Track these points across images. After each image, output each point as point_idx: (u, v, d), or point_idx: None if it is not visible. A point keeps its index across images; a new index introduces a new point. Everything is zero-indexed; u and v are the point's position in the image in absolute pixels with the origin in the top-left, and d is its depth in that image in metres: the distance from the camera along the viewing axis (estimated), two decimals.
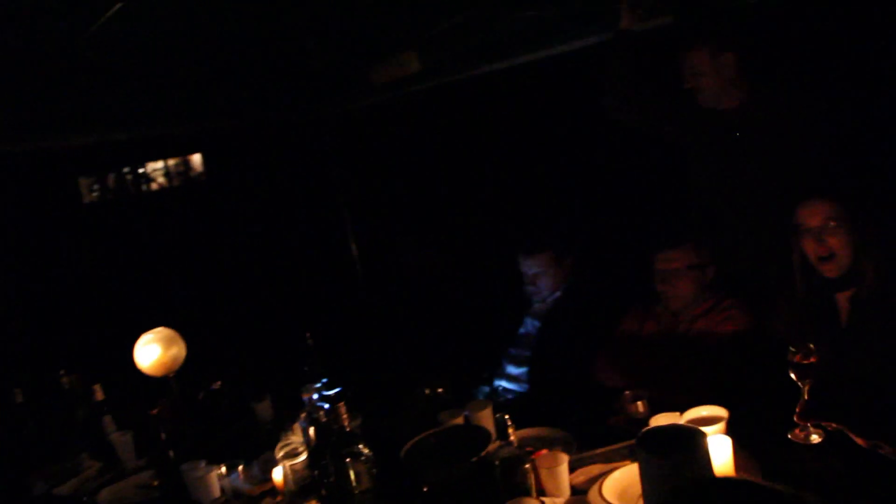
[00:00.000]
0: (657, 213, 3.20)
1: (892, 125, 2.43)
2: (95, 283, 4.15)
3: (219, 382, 2.78)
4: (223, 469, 2.19)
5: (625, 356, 2.65)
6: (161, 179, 5.22)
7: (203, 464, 2.17)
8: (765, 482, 1.71)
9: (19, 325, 3.80)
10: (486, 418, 2.16)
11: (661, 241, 2.65)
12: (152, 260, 4.39)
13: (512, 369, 3.05)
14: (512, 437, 2.05)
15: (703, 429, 1.75)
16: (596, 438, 2.10)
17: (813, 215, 2.12)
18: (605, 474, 1.87)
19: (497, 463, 1.83)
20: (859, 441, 1.78)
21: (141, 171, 5.06)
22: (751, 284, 2.60)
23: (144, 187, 5.09)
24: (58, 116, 3.28)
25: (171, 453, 2.27)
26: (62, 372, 2.90)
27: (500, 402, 2.77)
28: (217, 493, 2.15)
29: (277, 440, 2.21)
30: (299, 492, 2.09)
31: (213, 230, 4.70)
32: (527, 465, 1.82)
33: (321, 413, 2.15)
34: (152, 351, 2.51)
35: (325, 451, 1.95)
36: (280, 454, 2.14)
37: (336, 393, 2.47)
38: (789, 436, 1.88)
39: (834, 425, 1.86)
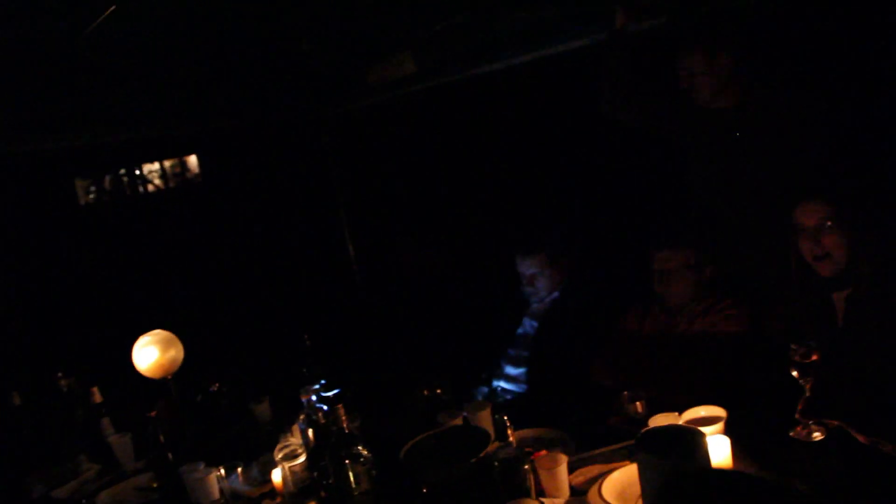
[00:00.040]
0: (655, 213, 3.20)
1: (889, 125, 2.44)
2: (93, 284, 4.14)
3: (217, 384, 2.78)
4: (222, 471, 2.18)
5: (623, 356, 2.66)
6: (157, 181, 5.22)
7: (202, 466, 2.17)
8: (753, 473, 1.73)
9: (17, 328, 3.79)
10: (485, 419, 2.16)
11: (660, 240, 2.66)
12: (150, 262, 4.38)
13: (510, 370, 3.05)
14: (511, 438, 2.05)
15: (702, 429, 1.75)
16: (595, 439, 2.10)
17: (809, 215, 2.13)
18: (604, 475, 1.88)
19: (496, 464, 1.83)
20: (860, 438, 1.79)
21: (137, 172, 5.06)
22: (749, 284, 2.60)
23: (141, 189, 5.09)
24: (53, 117, 3.27)
25: (170, 455, 2.27)
26: (60, 374, 2.90)
27: (499, 403, 2.78)
28: (216, 494, 2.14)
29: (276, 442, 2.22)
30: (298, 493, 2.09)
31: (210, 231, 4.70)
32: (526, 466, 1.82)
33: (320, 414, 2.15)
34: (150, 353, 2.51)
35: (324, 453, 1.95)
36: (279, 456, 2.14)
37: (335, 394, 2.47)
38: (791, 433, 1.89)
39: (835, 423, 1.86)
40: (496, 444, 2.01)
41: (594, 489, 1.83)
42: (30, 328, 3.83)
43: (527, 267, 3.06)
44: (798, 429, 1.89)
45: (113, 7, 2.28)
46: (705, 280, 2.60)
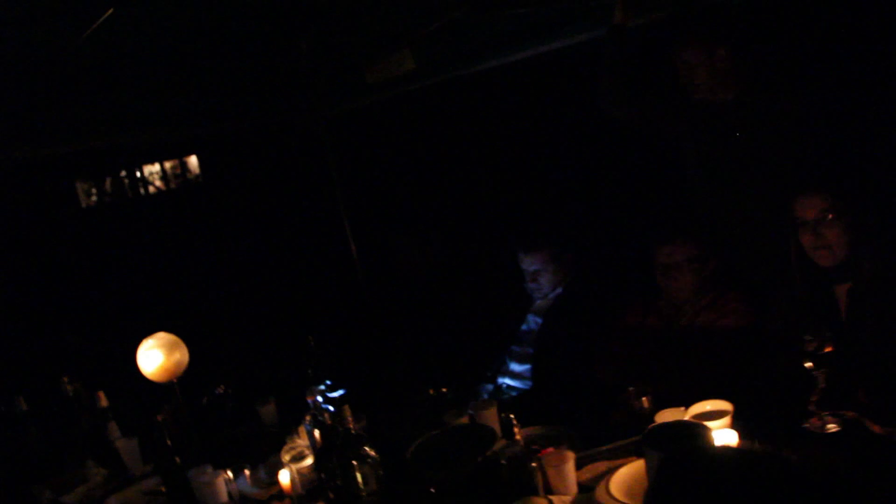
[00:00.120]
0: (657, 207, 3.20)
1: (888, 116, 2.43)
2: (96, 288, 4.14)
3: (223, 386, 2.78)
4: (230, 473, 2.19)
5: (627, 351, 2.66)
6: (158, 182, 5.22)
7: (209, 469, 2.17)
8: (744, 448, 1.72)
9: (21, 332, 3.79)
10: (491, 417, 2.16)
11: (662, 234, 2.66)
12: (152, 263, 4.38)
13: (515, 367, 3.05)
14: (518, 437, 2.05)
15: (709, 423, 1.76)
16: (601, 435, 2.10)
17: (809, 208, 2.12)
18: (611, 471, 1.88)
19: (503, 462, 1.83)
20: (875, 429, 1.78)
21: (138, 174, 5.06)
22: (751, 277, 2.60)
23: (142, 190, 5.09)
24: (53, 122, 3.27)
25: (178, 459, 2.27)
26: (65, 379, 2.90)
27: (504, 400, 2.79)
28: (224, 497, 2.15)
29: (283, 443, 2.22)
30: (306, 495, 2.09)
31: (212, 232, 4.70)
32: (533, 464, 1.82)
33: (326, 415, 2.15)
34: (155, 357, 2.51)
35: (331, 454, 1.95)
36: (286, 457, 2.14)
37: (340, 395, 2.47)
38: (805, 425, 1.87)
39: (851, 414, 1.85)
40: (503, 442, 2.01)
41: (602, 486, 1.83)
42: (34, 333, 3.83)
43: (530, 263, 3.06)
44: (813, 420, 1.87)
45: (111, 10, 2.28)
46: (709, 274, 2.60)
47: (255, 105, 4.07)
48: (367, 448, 1.92)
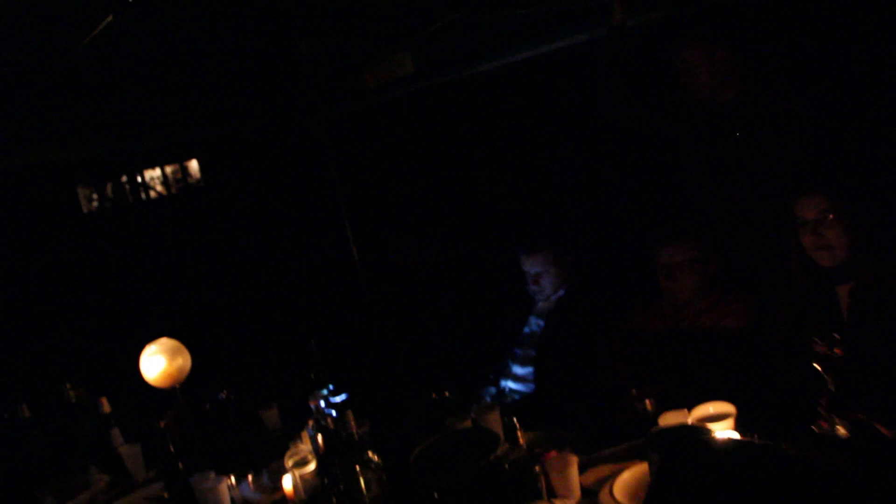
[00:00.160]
0: (658, 208, 3.19)
1: (888, 116, 2.43)
2: (98, 293, 4.14)
3: (225, 391, 2.77)
4: (233, 479, 2.19)
5: (630, 353, 2.65)
6: (159, 187, 5.22)
7: (212, 474, 2.17)
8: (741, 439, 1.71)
9: (23, 339, 3.79)
10: (494, 421, 2.16)
11: (663, 235, 2.65)
12: (154, 269, 4.38)
13: (518, 369, 3.04)
14: (521, 441, 2.05)
15: (712, 425, 1.75)
16: (604, 437, 2.10)
17: (809, 208, 2.12)
18: (615, 474, 1.87)
19: (507, 466, 1.83)
20: (885, 432, 1.76)
21: (139, 179, 5.06)
22: (753, 278, 2.60)
23: (143, 195, 5.09)
24: (54, 130, 3.27)
25: (181, 464, 2.27)
26: (68, 385, 2.90)
27: (507, 404, 2.78)
28: (227, 503, 2.15)
29: (286, 448, 2.22)
30: (310, 500, 2.09)
31: (213, 237, 4.70)
32: (537, 468, 1.82)
33: (329, 420, 2.15)
34: (158, 362, 2.51)
35: (335, 459, 1.95)
36: (289, 463, 2.14)
37: (343, 399, 2.47)
38: (813, 428, 1.84)
39: (860, 416, 1.82)
40: (506, 446, 2.01)
41: (605, 489, 1.83)
42: (36, 339, 3.83)
43: (531, 265, 3.05)
44: (822, 423, 1.84)
45: (110, 18, 2.28)
46: (710, 275, 2.59)
47: (254, 108, 4.07)
48: (370, 453, 1.92)
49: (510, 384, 3.04)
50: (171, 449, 2.27)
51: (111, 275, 4.25)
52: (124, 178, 5.02)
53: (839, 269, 2.12)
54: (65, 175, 4.46)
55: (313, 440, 2.20)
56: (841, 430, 1.81)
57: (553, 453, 1.94)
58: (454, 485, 1.85)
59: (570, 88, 3.40)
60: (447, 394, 2.41)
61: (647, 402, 2.19)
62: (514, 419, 2.06)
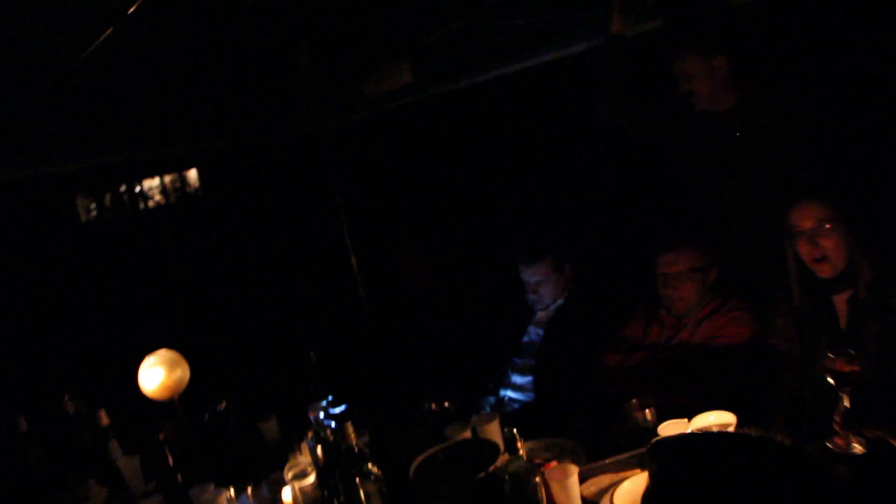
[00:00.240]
0: (658, 217, 3.19)
1: (886, 124, 2.43)
2: (96, 304, 4.13)
3: (224, 403, 2.76)
4: (232, 492, 2.17)
5: (629, 362, 2.65)
6: (158, 197, 5.21)
7: (212, 487, 2.16)
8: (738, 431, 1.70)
9: (21, 351, 3.78)
10: (494, 431, 2.16)
11: (663, 244, 2.65)
12: (153, 279, 4.37)
13: (517, 379, 3.04)
14: (521, 451, 2.04)
15: None
16: (604, 447, 2.09)
17: (806, 217, 2.12)
18: (615, 484, 1.87)
19: (507, 477, 1.82)
20: None
21: (137, 189, 5.06)
22: (753, 286, 2.59)
23: (142, 205, 5.08)
24: (53, 141, 3.27)
25: (180, 477, 2.26)
26: (66, 397, 2.89)
27: (507, 413, 2.77)
28: None
29: (285, 460, 2.21)
30: None
31: (212, 246, 4.69)
32: (537, 479, 1.81)
33: (328, 431, 2.14)
34: (156, 374, 2.50)
35: (334, 471, 1.94)
36: (289, 475, 2.13)
37: (342, 411, 2.46)
38: (828, 444, 1.80)
39: (876, 433, 1.79)
40: (506, 456, 2.00)
41: (606, 499, 1.82)
42: (34, 350, 3.82)
43: (530, 275, 3.05)
44: (836, 440, 1.80)
45: (110, 30, 2.28)
46: (710, 283, 2.60)
47: (254, 119, 4.08)
48: (370, 465, 1.91)
49: (510, 393, 3.03)
50: (170, 461, 2.27)
51: (110, 285, 4.24)
52: (123, 188, 5.02)
53: (836, 277, 2.11)
54: (63, 185, 4.45)
55: (312, 452, 2.20)
56: (857, 447, 1.78)
57: (553, 464, 1.94)
58: (454, 496, 1.84)
59: (569, 98, 3.40)
60: (446, 404, 2.41)
61: (647, 411, 2.19)
62: (514, 430, 2.06)
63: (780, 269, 2.25)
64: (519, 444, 2.06)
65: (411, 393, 2.67)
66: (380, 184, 4.58)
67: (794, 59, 2.65)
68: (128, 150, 3.70)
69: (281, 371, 3.31)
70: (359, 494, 1.88)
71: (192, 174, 5.24)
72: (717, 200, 2.70)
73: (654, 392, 2.30)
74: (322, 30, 2.94)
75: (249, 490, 2.24)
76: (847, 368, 1.77)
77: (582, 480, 1.91)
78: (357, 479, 1.88)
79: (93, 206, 4.90)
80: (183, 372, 2.52)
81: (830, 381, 1.79)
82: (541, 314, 3.11)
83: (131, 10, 2.13)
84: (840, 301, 2.13)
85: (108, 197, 4.99)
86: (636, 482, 1.84)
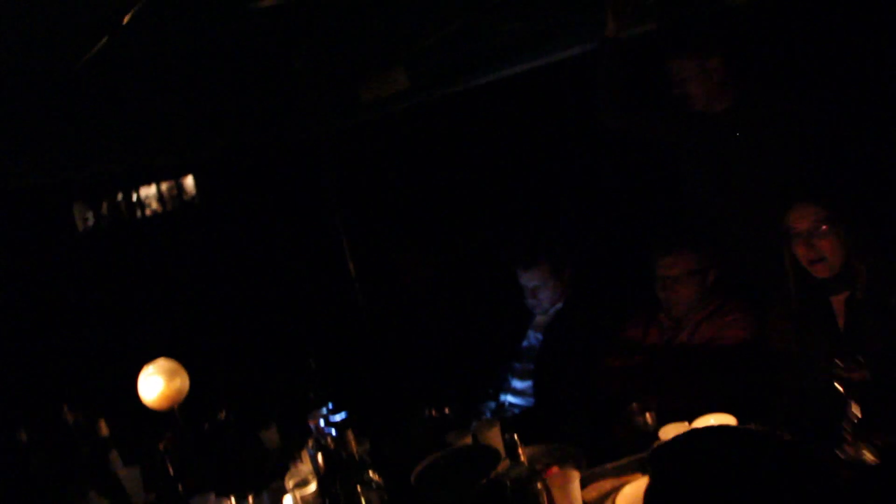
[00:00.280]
0: (656, 220, 3.20)
1: (883, 124, 2.43)
2: (94, 314, 4.12)
3: (224, 412, 2.76)
4: (233, 501, 2.17)
5: (628, 364, 2.65)
6: (155, 204, 5.20)
7: (212, 496, 2.16)
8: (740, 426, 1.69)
9: (19, 361, 3.77)
10: (495, 437, 2.15)
11: (661, 247, 2.65)
12: (151, 288, 4.36)
13: (517, 383, 3.04)
14: (522, 458, 2.04)
15: None
16: (605, 452, 2.09)
17: (802, 219, 2.11)
18: (616, 489, 1.87)
19: (508, 483, 1.82)
20: None
21: (134, 197, 5.05)
22: (752, 288, 2.59)
23: (139, 213, 5.07)
24: (49, 151, 3.27)
25: (180, 487, 2.26)
26: (65, 408, 2.88)
27: (507, 418, 2.77)
28: None
29: (286, 468, 2.20)
30: None
31: (209, 254, 4.68)
32: (539, 485, 1.81)
33: (329, 439, 2.14)
34: (155, 384, 2.49)
35: (335, 480, 1.94)
36: (290, 484, 2.12)
37: (343, 419, 2.46)
38: (838, 453, 1.76)
39: (888, 441, 1.76)
40: (506, 462, 2.00)
41: None
42: (32, 361, 3.81)
43: (529, 279, 3.05)
44: (847, 448, 1.76)
45: (105, 38, 2.28)
46: (709, 285, 2.59)
47: (251, 125, 4.08)
48: (371, 472, 1.91)
49: (509, 398, 3.03)
50: (171, 471, 2.26)
51: (108, 294, 4.23)
52: (120, 196, 5.01)
53: (834, 278, 2.11)
54: (60, 194, 4.44)
55: (313, 460, 2.19)
56: (868, 456, 1.73)
57: (555, 469, 1.94)
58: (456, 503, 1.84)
59: (566, 101, 3.40)
60: (446, 410, 2.40)
61: (648, 415, 2.19)
62: (515, 436, 2.06)
63: (777, 270, 2.25)
64: (520, 450, 2.06)
65: (411, 399, 2.66)
66: (377, 189, 4.58)
67: (790, 60, 2.66)
68: (125, 158, 3.70)
69: (281, 379, 3.30)
70: (360, 503, 1.88)
71: (189, 181, 5.23)
72: (714, 202, 2.70)
73: (654, 394, 2.31)
74: (318, 36, 2.95)
75: (250, 499, 2.23)
76: (856, 375, 1.73)
77: (583, 485, 1.91)
78: (358, 487, 1.88)
79: (89, 214, 4.89)
80: (182, 381, 2.51)
81: (839, 388, 1.75)
82: (540, 318, 3.10)
83: (126, 18, 2.13)
84: (838, 302, 2.13)
85: (104, 205, 4.98)
86: (638, 486, 1.84)
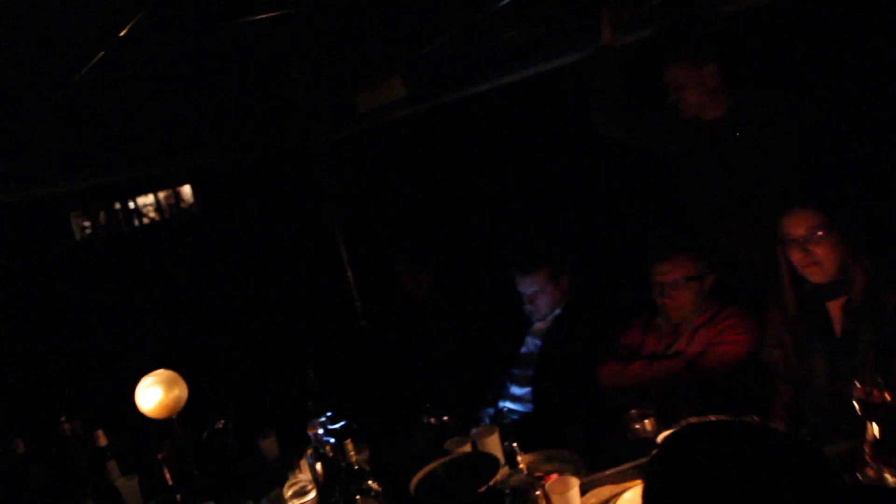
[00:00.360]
0: (652, 226, 3.21)
1: (878, 131, 2.45)
2: (92, 323, 4.12)
3: (222, 421, 2.75)
4: None
5: (627, 370, 2.65)
6: (152, 213, 5.20)
7: None
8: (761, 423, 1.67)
9: (17, 372, 3.76)
10: (494, 444, 2.15)
11: (658, 253, 2.66)
12: (148, 297, 4.36)
13: (516, 390, 3.04)
14: (522, 465, 2.04)
15: None
16: (604, 458, 2.09)
17: (797, 225, 2.12)
18: (616, 496, 1.87)
19: (508, 491, 1.82)
20: None
21: (132, 206, 5.05)
22: (748, 293, 2.60)
23: (136, 222, 5.07)
24: (47, 163, 3.27)
25: (179, 497, 2.25)
26: (63, 418, 2.87)
27: (506, 424, 2.77)
28: None
29: (285, 477, 2.20)
30: None
31: (207, 263, 4.68)
32: (538, 492, 1.81)
33: (328, 448, 2.14)
34: (154, 394, 2.49)
35: (335, 488, 1.94)
36: (289, 492, 2.12)
37: (341, 427, 2.45)
38: (858, 476, 1.70)
39: None
40: (506, 470, 2.00)
41: None
42: (31, 371, 3.80)
43: (527, 286, 3.05)
44: (868, 471, 1.69)
45: (102, 53, 2.29)
46: (706, 291, 2.60)
47: (248, 134, 4.08)
48: (370, 481, 1.90)
49: (509, 405, 3.03)
50: (169, 481, 2.26)
51: (106, 304, 4.22)
52: (117, 206, 5.01)
53: (830, 284, 2.12)
54: (57, 204, 4.44)
55: (312, 469, 2.19)
56: (890, 479, 1.68)
57: (554, 476, 1.94)
58: None
59: (562, 109, 3.42)
60: (446, 417, 2.40)
61: (647, 421, 2.18)
62: (514, 444, 2.06)
63: (773, 276, 2.25)
64: (519, 458, 2.06)
65: (410, 407, 2.66)
66: (375, 197, 4.59)
67: (785, 67, 2.67)
68: (122, 171, 3.70)
69: (279, 388, 3.30)
70: None
71: (186, 190, 5.23)
72: (710, 208, 2.71)
73: (653, 400, 2.31)
74: (315, 45, 2.95)
75: None
76: (877, 398, 1.66)
77: (583, 492, 1.91)
78: (358, 496, 1.88)
79: (87, 224, 4.89)
80: (181, 391, 2.51)
81: (858, 410, 1.69)
82: (538, 325, 3.11)
83: (123, 32, 2.14)
84: (834, 307, 2.14)
85: (102, 215, 4.98)
86: (637, 493, 1.84)
